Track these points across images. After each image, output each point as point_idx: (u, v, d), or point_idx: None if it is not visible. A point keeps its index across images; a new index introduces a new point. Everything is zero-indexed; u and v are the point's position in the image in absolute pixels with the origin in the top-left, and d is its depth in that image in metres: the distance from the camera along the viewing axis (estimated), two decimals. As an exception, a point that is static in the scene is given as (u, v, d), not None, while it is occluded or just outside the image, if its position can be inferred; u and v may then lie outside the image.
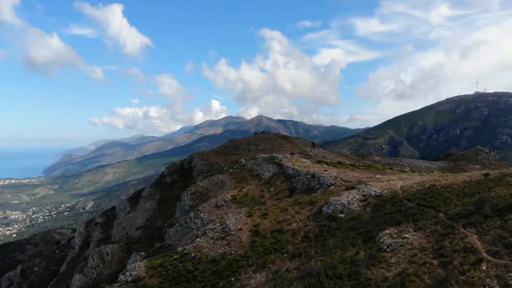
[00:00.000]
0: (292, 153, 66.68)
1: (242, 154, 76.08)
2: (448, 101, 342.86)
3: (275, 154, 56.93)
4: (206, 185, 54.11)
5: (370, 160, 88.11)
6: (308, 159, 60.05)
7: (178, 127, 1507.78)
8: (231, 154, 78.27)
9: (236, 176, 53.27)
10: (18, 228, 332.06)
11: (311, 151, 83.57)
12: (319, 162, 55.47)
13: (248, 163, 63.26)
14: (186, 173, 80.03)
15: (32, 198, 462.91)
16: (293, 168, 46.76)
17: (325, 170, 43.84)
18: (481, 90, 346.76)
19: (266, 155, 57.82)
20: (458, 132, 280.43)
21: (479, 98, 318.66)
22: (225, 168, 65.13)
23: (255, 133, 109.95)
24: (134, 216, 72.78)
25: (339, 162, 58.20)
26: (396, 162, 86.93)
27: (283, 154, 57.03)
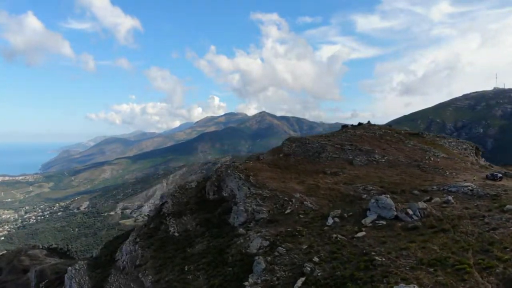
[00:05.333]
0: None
1: (331, 169, 40.64)
2: (466, 97, 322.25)
3: None
4: None
5: None
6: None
7: (177, 122, 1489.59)
8: (305, 171, 41.27)
9: None
10: (9, 229, 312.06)
11: (482, 165, 50.53)
12: None
13: (377, 202, 29.14)
14: (214, 215, 38.08)
15: (26, 196, 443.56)
16: None
17: None
18: (500, 86, 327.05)
19: None
20: (482, 130, 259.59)
21: (501, 94, 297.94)
22: (312, 224, 26.91)
23: (345, 126, 68.62)
24: None
25: None
26: None
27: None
